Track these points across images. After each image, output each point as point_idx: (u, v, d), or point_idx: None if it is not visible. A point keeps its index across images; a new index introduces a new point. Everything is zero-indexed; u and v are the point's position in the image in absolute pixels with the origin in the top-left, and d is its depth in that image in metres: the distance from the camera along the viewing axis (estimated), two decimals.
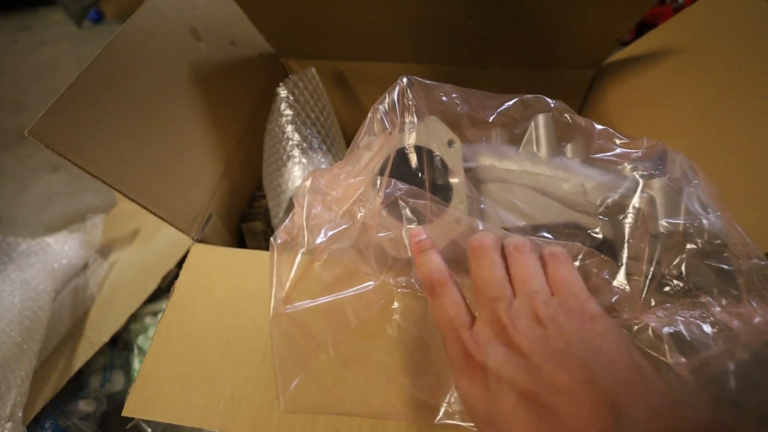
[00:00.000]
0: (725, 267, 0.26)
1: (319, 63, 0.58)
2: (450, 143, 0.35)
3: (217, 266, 0.41)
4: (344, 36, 0.54)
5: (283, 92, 0.47)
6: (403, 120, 0.33)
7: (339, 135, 0.50)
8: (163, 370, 0.36)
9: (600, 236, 0.32)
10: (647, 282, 0.27)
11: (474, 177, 0.36)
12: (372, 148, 0.33)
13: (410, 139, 0.33)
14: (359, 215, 0.33)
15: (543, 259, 0.24)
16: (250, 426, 0.33)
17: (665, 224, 0.27)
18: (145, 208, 0.39)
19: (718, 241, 0.26)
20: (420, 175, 0.34)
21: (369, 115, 0.34)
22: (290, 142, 0.45)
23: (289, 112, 0.47)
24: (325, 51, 0.59)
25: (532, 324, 0.20)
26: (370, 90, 0.64)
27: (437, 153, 0.34)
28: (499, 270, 0.23)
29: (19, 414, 0.45)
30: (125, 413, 0.34)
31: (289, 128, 0.46)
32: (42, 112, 0.32)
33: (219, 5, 0.52)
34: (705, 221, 0.26)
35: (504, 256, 0.24)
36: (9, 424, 0.43)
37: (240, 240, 0.53)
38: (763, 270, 0.25)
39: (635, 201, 0.29)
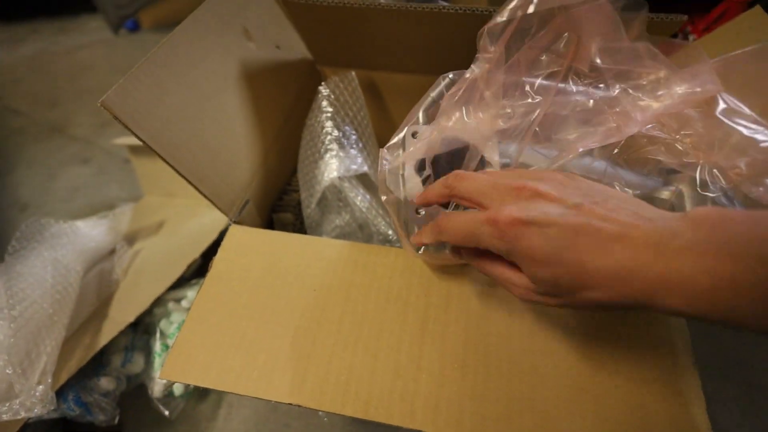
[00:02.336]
0: None
1: (353, 71, 0.62)
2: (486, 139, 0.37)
3: (252, 246, 0.43)
4: (378, 48, 0.58)
5: (325, 91, 0.50)
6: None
7: (373, 135, 0.53)
8: (199, 337, 0.38)
9: None
10: None
11: None
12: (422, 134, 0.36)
13: (449, 131, 0.36)
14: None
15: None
16: (283, 393, 0.34)
17: None
18: (193, 185, 0.41)
19: None
20: (457, 164, 0.36)
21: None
22: (329, 137, 0.48)
23: (329, 108, 0.50)
24: (358, 60, 0.63)
25: (550, 190, 0.24)
26: (398, 99, 0.68)
27: (474, 144, 0.37)
28: (488, 179, 0.26)
29: (49, 380, 0.47)
30: (162, 376, 0.36)
31: (329, 123, 0.49)
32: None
33: (268, 11, 0.56)
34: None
35: None
36: (40, 387, 0.45)
37: (270, 228, 0.55)
38: None
39: (664, 194, 0.31)
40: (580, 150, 0.35)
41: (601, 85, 0.37)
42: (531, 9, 0.32)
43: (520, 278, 0.25)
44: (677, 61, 0.35)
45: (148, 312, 0.65)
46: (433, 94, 0.36)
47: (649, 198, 0.34)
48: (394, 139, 0.35)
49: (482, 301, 0.38)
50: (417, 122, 0.36)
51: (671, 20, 0.44)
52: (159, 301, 0.65)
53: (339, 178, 0.47)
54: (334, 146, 0.47)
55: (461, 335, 0.36)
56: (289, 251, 0.43)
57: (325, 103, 0.50)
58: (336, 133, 0.48)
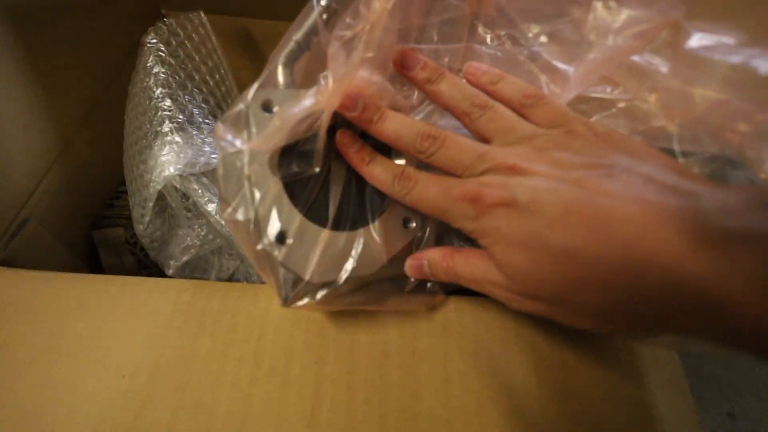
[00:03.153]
0: None
1: (221, 19, 0.44)
2: None
3: (19, 301, 0.26)
4: None
5: (152, 41, 0.32)
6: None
7: None
8: None
9: None
10: None
11: None
12: None
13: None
14: None
15: (519, 104, 0.22)
16: None
17: None
18: None
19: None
20: None
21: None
22: (159, 113, 0.31)
23: (160, 69, 0.32)
24: (227, 3, 0.45)
25: (542, 152, 0.19)
26: None
27: None
28: (467, 140, 0.21)
29: None
30: None
31: (160, 92, 0.31)
32: None
33: None
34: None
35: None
36: None
37: (91, 255, 0.37)
38: None
39: None
40: None
41: (519, 37, 0.26)
42: None
43: (493, 270, 0.20)
44: None
45: None
46: (298, 36, 0.21)
47: None
48: (235, 109, 0.20)
49: (405, 362, 0.24)
50: (273, 83, 0.21)
51: None
52: None
53: (180, 176, 0.30)
54: (166, 127, 0.30)
55: (375, 427, 0.22)
56: (84, 306, 0.26)
57: (152, 60, 0.32)
58: (168, 105, 0.31)
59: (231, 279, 0.37)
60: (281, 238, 0.20)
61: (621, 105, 0.25)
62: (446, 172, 0.21)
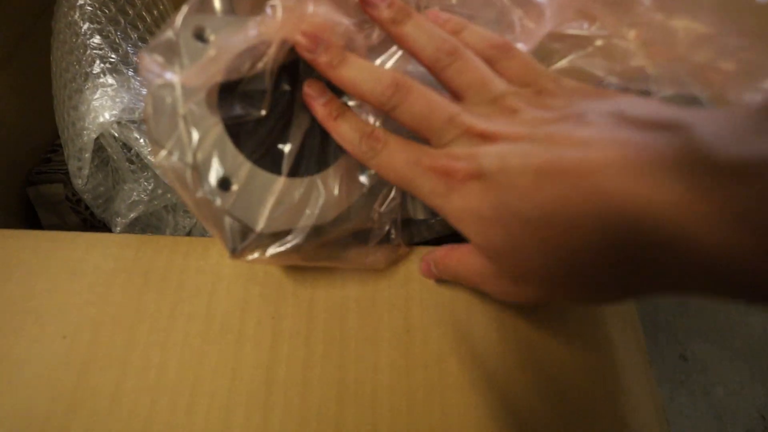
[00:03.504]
0: None
1: None
2: None
3: None
4: None
5: None
6: None
7: None
8: None
9: None
10: None
11: None
12: None
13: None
14: None
15: (485, 55, 0.20)
16: None
17: None
18: None
19: None
20: None
21: None
22: (88, 51, 0.27)
23: (86, 1, 0.28)
24: None
25: (514, 114, 0.18)
26: None
27: None
28: (436, 96, 0.19)
29: None
30: None
31: (86, 28, 0.27)
32: None
33: None
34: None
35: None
36: None
37: (29, 216, 0.34)
38: None
39: None
40: None
41: None
42: None
43: (480, 262, 0.19)
44: None
45: None
46: None
47: None
48: (163, 36, 0.18)
49: (365, 314, 0.24)
50: (208, 7, 0.18)
51: None
52: None
53: (117, 123, 0.27)
54: (97, 67, 0.27)
55: (334, 379, 0.22)
56: (18, 264, 0.23)
57: None
58: (100, 42, 0.27)
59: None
60: (225, 184, 0.18)
61: (598, 43, 0.24)
62: (412, 132, 0.19)
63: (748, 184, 0.11)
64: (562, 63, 0.24)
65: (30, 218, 0.34)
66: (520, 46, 0.22)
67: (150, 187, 0.31)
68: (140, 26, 0.30)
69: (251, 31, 0.18)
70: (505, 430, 0.21)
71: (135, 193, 0.32)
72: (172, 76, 0.17)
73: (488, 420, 0.21)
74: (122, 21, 0.29)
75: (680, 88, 0.21)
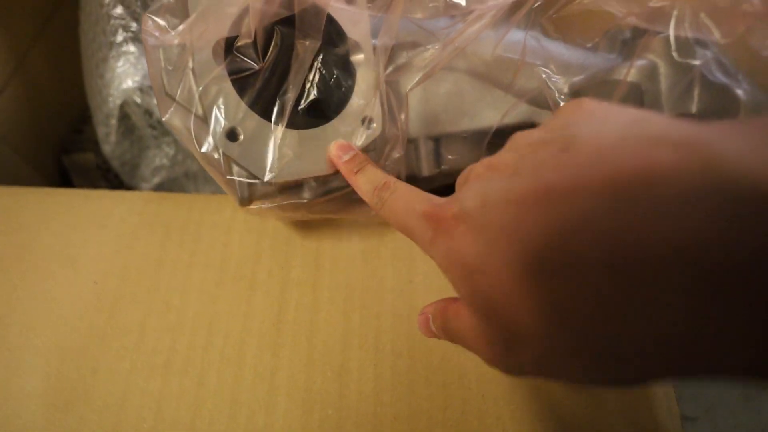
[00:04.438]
0: None
1: None
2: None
3: None
4: None
5: None
6: None
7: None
8: None
9: None
10: None
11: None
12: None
13: None
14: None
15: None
16: None
17: (676, 101, 0.18)
18: None
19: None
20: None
21: None
22: (111, 21, 0.29)
23: None
24: None
25: (493, 168, 0.15)
26: None
27: (332, 12, 0.21)
28: (417, 194, 0.18)
29: None
30: None
31: (115, 3, 0.29)
32: None
33: None
34: (740, 91, 0.17)
35: None
36: None
37: (64, 181, 0.37)
38: None
39: (628, 74, 0.19)
40: (475, 15, 0.21)
41: None
42: None
43: (471, 321, 0.15)
44: None
45: None
46: None
47: (602, 83, 0.22)
48: None
49: (370, 265, 0.25)
50: None
51: None
52: None
53: (139, 90, 0.29)
54: (120, 36, 0.29)
55: (339, 323, 0.23)
56: (52, 218, 0.26)
57: None
58: (122, 13, 0.29)
59: None
60: (233, 135, 0.20)
61: None
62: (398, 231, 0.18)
63: None
64: (580, 3, 0.23)
65: (65, 183, 0.37)
66: None
67: (171, 153, 0.33)
68: None
69: None
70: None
71: (158, 159, 0.34)
72: (178, 34, 0.18)
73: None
74: None
75: (700, 33, 0.20)
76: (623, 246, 0.10)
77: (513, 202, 0.12)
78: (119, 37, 0.29)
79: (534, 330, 0.12)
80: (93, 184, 0.37)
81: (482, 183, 0.14)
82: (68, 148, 0.37)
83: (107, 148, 0.33)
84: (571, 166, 0.12)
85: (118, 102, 0.29)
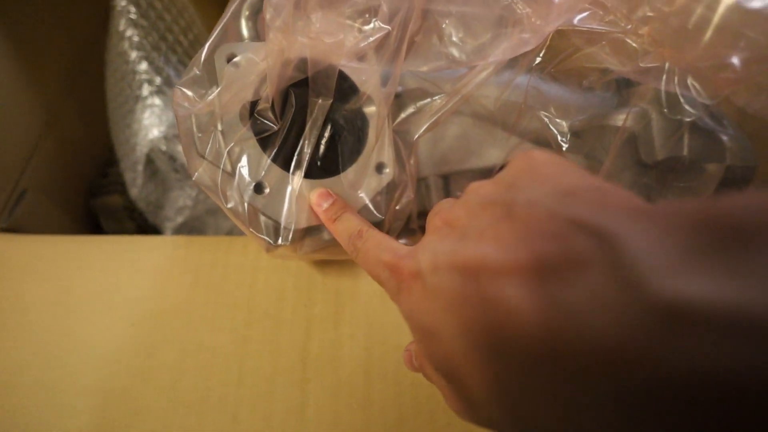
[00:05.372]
0: None
1: None
2: (361, 59, 0.23)
3: (27, 264, 0.28)
4: None
5: (121, 4, 0.32)
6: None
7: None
8: None
9: None
10: None
11: (396, 106, 0.25)
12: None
13: (303, 50, 0.21)
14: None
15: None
16: None
17: (667, 146, 0.19)
18: None
19: (746, 164, 0.18)
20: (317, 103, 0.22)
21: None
22: (137, 77, 0.31)
23: (132, 32, 0.32)
24: None
25: (448, 224, 0.15)
26: None
27: (344, 69, 0.23)
28: (388, 242, 0.19)
29: None
30: None
31: (136, 55, 0.31)
32: None
33: None
34: (725, 137, 0.18)
35: None
36: None
37: (92, 223, 0.39)
38: None
39: (621, 119, 0.20)
40: (479, 67, 0.22)
41: None
42: None
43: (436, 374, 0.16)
44: None
45: None
46: None
47: (599, 127, 0.23)
48: (193, 71, 0.20)
49: (388, 301, 0.26)
50: (236, 37, 0.21)
51: None
52: None
53: (164, 138, 0.31)
54: (145, 90, 0.31)
55: (361, 358, 0.25)
56: (88, 265, 0.27)
57: (123, 24, 0.32)
58: (146, 68, 0.31)
59: None
60: (259, 188, 0.21)
61: (610, 36, 0.24)
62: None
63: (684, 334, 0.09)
64: (573, 58, 0.25)
65: (94, 225, 0.39)
66: (527, 39, 0.23)
67: (194, 194, 0.35)
68: (179, 50, 0.34)
69: (274, 55, 0.21)
70: None
71: (181, 200, 0.36)
72: (208, 100, 0.20)
73: None
74: (163, 47, 0.33)
75: (687, 90, 0.22)
76: (542, 340, 0.10)
77: (458, 270, 0.13)
78: (144, 91, 0.32)
79: (484, 397, 0.12)
80: (120, 224, 0.39)
81: (435, 242, 0.15)
82: (95, 191, 0.39)
83: (134, 191, 0.35)
84: (506, 242, 0.12)
85: (145, 150, 0.31)
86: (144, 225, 0.41)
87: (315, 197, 0.23)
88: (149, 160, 0.33)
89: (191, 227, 0.38)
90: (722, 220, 0.09)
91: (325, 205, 0.22)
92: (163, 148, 0.32)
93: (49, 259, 0.28)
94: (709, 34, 0.21)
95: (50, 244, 0.29)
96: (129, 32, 0.32)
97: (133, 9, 0.32)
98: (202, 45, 0.22)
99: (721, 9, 0.21)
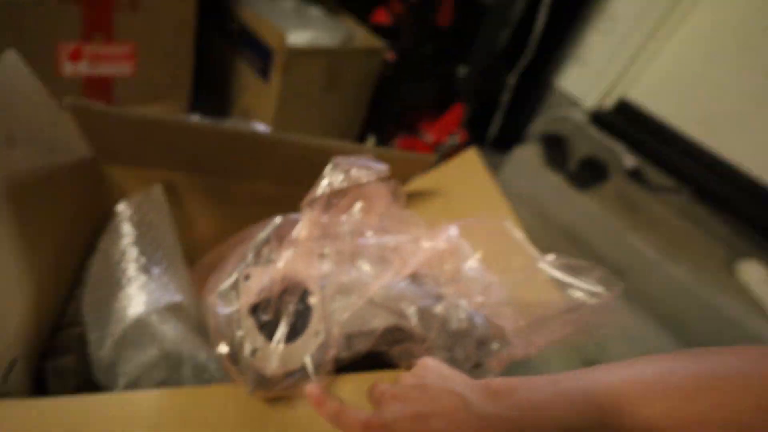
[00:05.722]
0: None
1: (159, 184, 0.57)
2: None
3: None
4: (179, 151, 0.56)
5: (127, 211, 0.46)
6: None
7: (180, 256, 0.50)
8: None
9: (418, 333, 0.43)
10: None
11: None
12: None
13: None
14: None
15: None
16: None
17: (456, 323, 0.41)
18: None
19: (483, 332, 0.41)
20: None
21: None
22: (134, 264, 0.43)
23: (133, 232, 0.45)
24: (156, 159, 0.58)
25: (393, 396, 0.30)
26: (198, 202, 0.66)
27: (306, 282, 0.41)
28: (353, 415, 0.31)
29: None
30: None
31: (134, 250, 0.44)
32: None
33: (39, 110, 0.48)
34: (477, 319, 0.42)
35: None
36: None
37: (39, 384, 0.43)
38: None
39: (437, 309, 0.43)
40: (382, 282, 0.43)
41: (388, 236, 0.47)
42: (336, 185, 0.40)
43: None
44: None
45: None
46: (263, 235, 0.39)
47: (427, 312, 0.45)
48: (226, 284, 0.36)
49: None
50: (248, 264, 0.38)
51: (421, 159, 0.62)
52: None
53: (146, 312, 0.43)
54: (140, 275, 0.43)
55: None
56: (75, 428, 0.34)
57: (127, 226, 0.45)
58: (142, 260, 0.44)
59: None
60: (254, 352, 0.36)
61: (433, 274, 0.49)
62: None
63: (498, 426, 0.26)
64: (423, 279, 0.47)
65: (40, 388, 0.43)
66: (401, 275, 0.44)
67: (153, 353, 0.45)
68: (162, 242, 0.48)
69: (266, 276, 0.38)
70: None
71: (136, 358, 0.45)
72: (233, 306, 0.36)
73: None
74: (153, 242, 0.46)
75: (463, 304, 0.46)
76: None
77: (408, 419, 0.28)
78: (134, 272, 0.43)
79: None
80: (67, 387, 0.44)
81: (390, 406, 0.29)
82: (47, 354, 0.44)
83: (99, 353, 0.42)
84: (423, 402, 0.28)
85: (128, 324, 0.42)
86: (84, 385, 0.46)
87: (311, 389, 0.34)
88: (127, 331, 0.43)
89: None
90: (497, 386, 0.29)
91: (320, 401, 0.33)
92: (144, 319, 0.43)
93: (38, 421, 0.33)
94: (465, 284, 0.46)
95: (36, 408, 0.33)
96: (129, 231, 0.45)
97: (135, 216, 0.46)
98: (174, 239, 0.37)
99: (470, 275, 0.47)
